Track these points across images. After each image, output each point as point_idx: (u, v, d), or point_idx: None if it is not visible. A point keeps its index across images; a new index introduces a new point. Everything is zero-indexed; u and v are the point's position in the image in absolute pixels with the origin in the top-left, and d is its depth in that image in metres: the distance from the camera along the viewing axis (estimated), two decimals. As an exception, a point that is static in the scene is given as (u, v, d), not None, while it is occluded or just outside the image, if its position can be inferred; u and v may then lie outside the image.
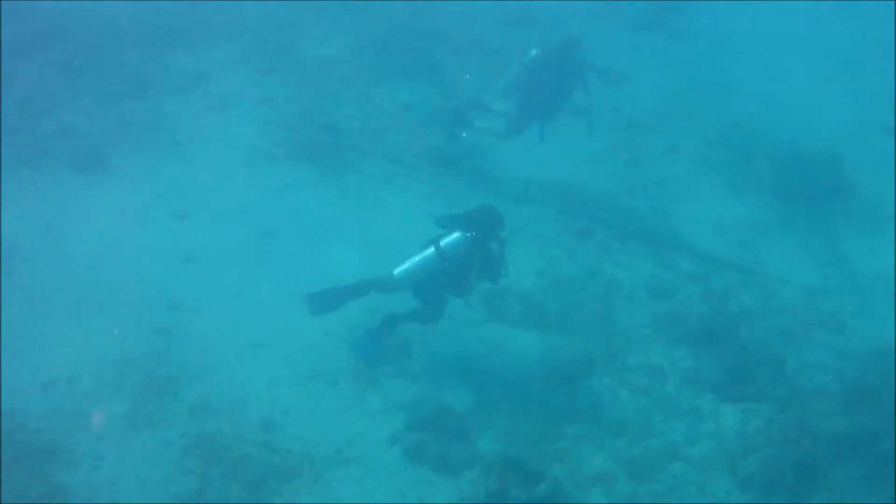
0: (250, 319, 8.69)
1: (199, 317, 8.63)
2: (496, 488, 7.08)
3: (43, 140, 10.94)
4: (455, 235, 7.94)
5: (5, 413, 7.33)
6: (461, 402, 8.11)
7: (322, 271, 9.14)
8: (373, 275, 8.22)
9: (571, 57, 10.42)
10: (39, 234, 9.40)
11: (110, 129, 11.38)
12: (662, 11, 15.87)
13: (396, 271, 8.02)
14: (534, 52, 10.49)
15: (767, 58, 14.41)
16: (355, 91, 12.98)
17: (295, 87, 12.86)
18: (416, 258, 8.00)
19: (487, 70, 13.51)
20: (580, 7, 15.61)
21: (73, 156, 10.66)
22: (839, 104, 13.11)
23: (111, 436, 7.32)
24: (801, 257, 10.38)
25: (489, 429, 7.91)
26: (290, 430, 7.61)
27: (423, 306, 8.28)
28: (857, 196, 11.32)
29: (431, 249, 7.95)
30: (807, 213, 11.03)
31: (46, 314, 8.41)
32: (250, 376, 8.08)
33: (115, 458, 7.17)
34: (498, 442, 7.78)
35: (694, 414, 8.32)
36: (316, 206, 10.51)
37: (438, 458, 7.54)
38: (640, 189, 11.51)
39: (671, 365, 8.82)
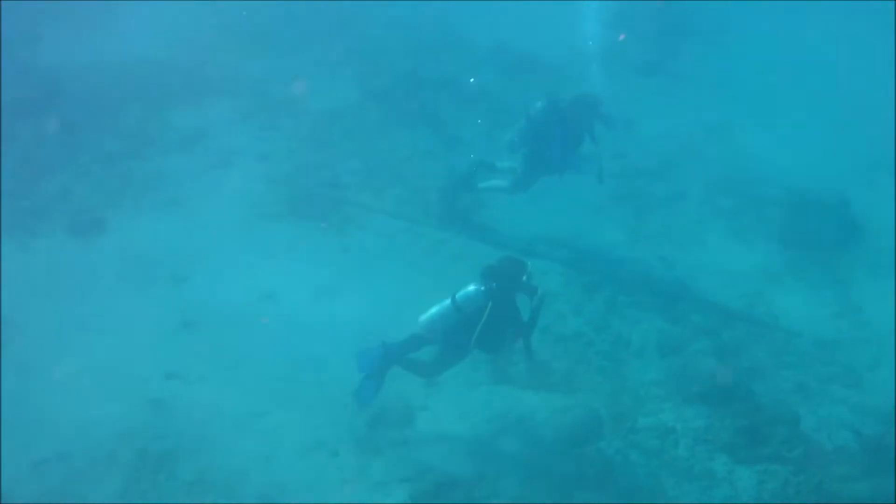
0: (249, 387, 8.49)
1: (197, 386, 8.45)
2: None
3: (41, 204, 10.85)
4: (471, 287, 7.77)
5: (-5, 497, 7.15)
6: (466, 470, 7.84)
7: (324, 333, 9.00)
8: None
9: (583, 111, 10.18)
10: (35, 302, 9.27)
11: (109, 190, 11.30)
12: (665, 54, 15.78)
13: (420, 319, 7.88)
14: (540, 104, 10.30)
15: (773, 100, 14.24)
16: (357, 144, 12.89)
17: (297, 142, 12.77)
18: (435, 309, 7.85)
19: (492, 119, 13.42)
20: (583, 52, 15.51)
21: (70, 219, 10.58)
22: (846, 147, 12.91)
23: (104, 518, 7.11)
24: (812, 308, 10.11)
25: (496, 498, 7.63)
26: (289, 506, 7.37)
27: (439, 356, 8.07)
28: (868, 242, 11.07)
29: (448, 301, 7.80)
30: (817, 261, 10.78)
31: (39, 387, 8.24)
32: (249, 448, 7.86)
33: (108, 542, 6.97)
34: (505, 513, 7.51)
35: (708, 477, 8.03)
36: (318, 266, 10.34)
37: (443, 532, 7.28)
38: (646, 239, 11.30)
39: (682, 425, 8.55)
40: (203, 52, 14.87)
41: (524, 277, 7.71)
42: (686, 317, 9.95)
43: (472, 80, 12.77)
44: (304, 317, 9.49)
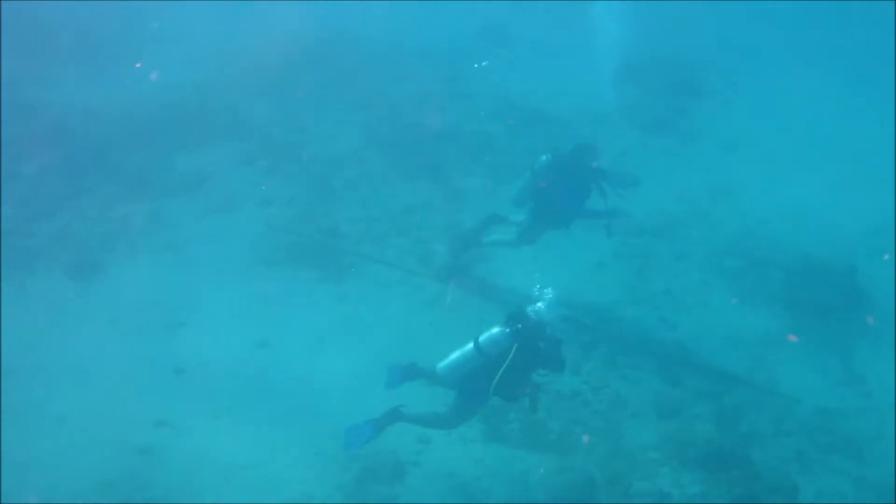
0: (239, 437, 8.57)
1: (186, 435, 8.54)
2: None
3: (40, 243, 11.05)
4: (495, 330, 7.86)
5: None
6: (456, 531, 7.90)
7: (318, 384, 9.11)
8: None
9: (585, 162, 10.33)
10: (28, 344, 9.41)
11: (108, 232, 11.50)
12: (673, 113, 16.02)
13: (440, 366, 7.96)
14: (544, 158, 10.46)
15: (781, 161, 14.43)
16: (359, 193, 13.10)
17: (298, 189, 12.99)
18: (456, 353, 7.92)
19: (495, 171, 13.65)
20: (590, 108, 15.81)
21: (68, 261, 10.76)
22: (854, 211, 13.03)
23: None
24: (815, 375, 10.17)
25: (485, 561, 7.68)
26: (274, 563, 7.42)
27: (457, 405, 8.12)
28: (873, 310, 11.12)
29: (470, 345, 7.87)
30: (821, 328, 10.84)
31: (27, 432, 8.34)
32: (235, 501, 7.91)
33: None
34: (493, 578, 7.55)
35: (703, 546, 8.07)
36: (314, 314, 10.49)
37: None
38: (648, 299, 11.38)
39: (679, 491, 8.59)
40: (209, 95, 15.21)
41: (548, 329, 7.85)
42: (685, 379, 10.03)
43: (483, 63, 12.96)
44: (298, 367, 9.61)
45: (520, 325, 7.77)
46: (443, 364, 7.94)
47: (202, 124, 14.36)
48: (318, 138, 14.50)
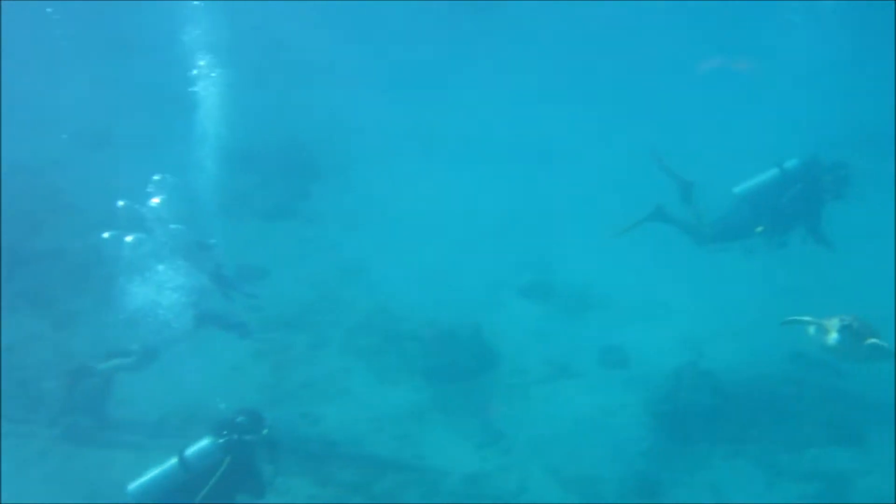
0: None
1: None
2: None
3: None
4: (203, 442, 7.33)
5: None
6: None
7: None
8: None
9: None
10: None
11: None
12: (293, 197, 16.27)
13: (131, 487, 7.15)
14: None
15: (401, 234, 15.09)
16: None
17: None
18: (154, 471, 7.21)
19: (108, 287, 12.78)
20: (203, 201, 15.46)
21: None
22: (472, 270, 13.94)
23: None
24: (458, 441, 10.59)
25: None
26: None
27: None
28: (502, 365, 11.91)
29: (174, 460, 7.18)
30: (457, 392, 11.37)
31: None
32: None
33: None
34: None
35: None
36: None
37: None
38: (288, 396, 11.30)
39: None
40: None
41: (265, 430, 7.46)
42: (336, 476, 9.99)
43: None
44: None
45: (235, 436, 7.25)
46: (135, 485, 7.17)
47: None
48: None
